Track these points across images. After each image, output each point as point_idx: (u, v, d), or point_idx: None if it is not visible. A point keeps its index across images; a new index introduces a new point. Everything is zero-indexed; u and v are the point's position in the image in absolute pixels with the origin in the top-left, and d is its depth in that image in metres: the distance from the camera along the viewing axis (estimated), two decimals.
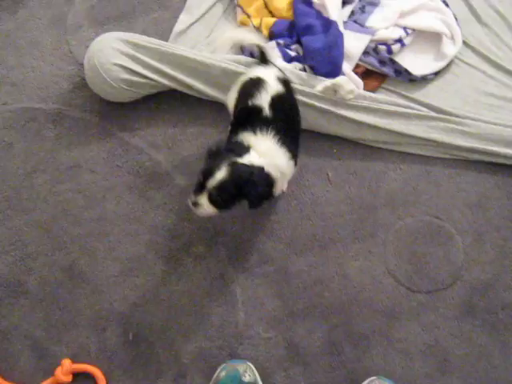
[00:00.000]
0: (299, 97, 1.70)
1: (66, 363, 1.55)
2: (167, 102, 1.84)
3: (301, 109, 1.62)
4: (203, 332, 1.61)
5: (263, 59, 1.64)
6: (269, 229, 1.70)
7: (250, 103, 1.45)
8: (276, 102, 1.45)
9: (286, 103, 1.50)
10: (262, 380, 1.55)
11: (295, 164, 1.53)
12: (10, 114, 1.83)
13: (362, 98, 1.75)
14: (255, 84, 1.48)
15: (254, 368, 1.53)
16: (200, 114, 1.83)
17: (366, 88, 1.79)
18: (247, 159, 1.39)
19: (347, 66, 1.78)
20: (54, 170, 1.77)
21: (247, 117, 1.45)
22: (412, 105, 1.78)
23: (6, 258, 1.69)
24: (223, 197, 1.37)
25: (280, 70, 1.59)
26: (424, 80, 1.86)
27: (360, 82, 1.76)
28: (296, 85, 1.72)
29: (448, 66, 1.89)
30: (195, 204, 1.37)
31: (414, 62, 1.84)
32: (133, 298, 1.64)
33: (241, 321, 1.62)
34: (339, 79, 1.69)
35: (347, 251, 1.69)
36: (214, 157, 1.39)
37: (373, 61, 1.82)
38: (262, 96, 1.45)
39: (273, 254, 1.68)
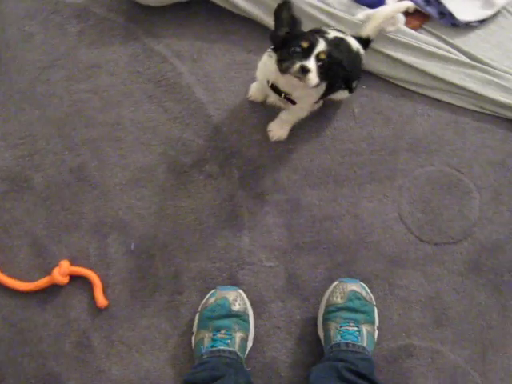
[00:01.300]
0: (336, 24, 1.63)
1: (65, 264, 1.54)
2: (198, 12, 1.76)
3: None
4: (205, 252, 1.59)
5: None
6: (285, 157, 1.66)
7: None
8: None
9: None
10: (259, 308, 1.54)
11: None
12: (32, 4, 1.76)
13: (402, 33, 1.68)
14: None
15: (245, 296, 1.51)
16: (231, 30, 1.75)
17: (406, 25, 1.71)
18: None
19: (391, 0, 1.69)
20: (73, 68, 1.71)
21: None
22: (452, 50, 1.71)
23: (14, 152, 1.65)
24: (331, 63, 1.31)
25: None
26: (467, 27, 1.77)
27: (402, 18, 1.68)
28: (336, 10, 1.65)
29: (495, 15, 1.80)
30: (304, 69, 1.27)
31: (461, 5, 1.75)
32: (138, 209, 1.61)
33: (245, 246, 1.59)
34: (383, 8, 1.61)
35: (362, 191, 1.65)
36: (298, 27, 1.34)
37: None
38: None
39: (286, 183, 1.64)
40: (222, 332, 1.41)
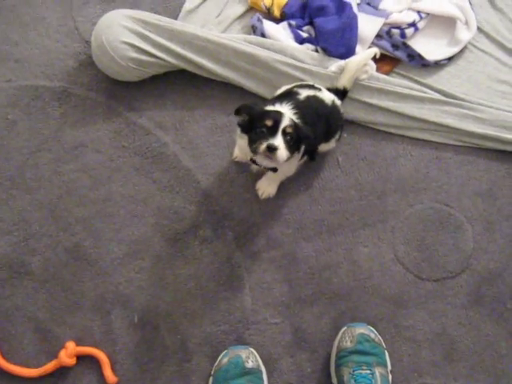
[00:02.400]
0: (311, 78, 1.68)
1: (71, 346, 1.53)
2: (175, 82, 1.80)
3: None
4: (209, 316, 1.59)
5: None
6: (277, 213, 1.68)
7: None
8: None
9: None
10: (269, 366, 1.54)
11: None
12: (14, 92, 1.79)
13: (376, 79, 1.73)
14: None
15: (256, 354, 1.52)
16: (208, 95, 1.79)
17: (378, 71, 1.76)
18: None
19: (360, 49, 1.74)
20: (59, 150, 1.74)
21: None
22: (425, 89, 1.76)
23: (9, 238, 1.66)
24: (300, 133, 1.37)
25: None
26: (437, 65, 1.83)
27: (373, 65, 1.73)
28: (309, 65, 1.69)
29: (461, 51, 1.86)
30: (271, 148, 1.30)
31: (428, 46, 1.81)
32: (138, 281, 1.62)
33: (248, 306, 1.60)
34: (353, 58, 1.66)
35: (356, 237, 1.67)
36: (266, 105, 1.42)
37: (386, 44, 1.79)
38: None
39: (281, 238, 1.66)
40: None
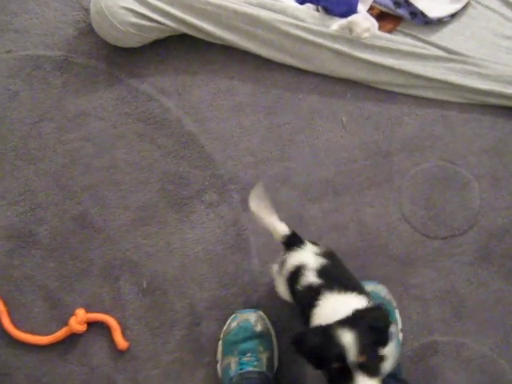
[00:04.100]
0: (313, 38, 1.66)
1: (80, 313, 1.54)
2: (176, 47, 1.78)
3: (315, 50, 1.58)
4: (217, 280, 1.60)
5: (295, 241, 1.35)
6: (282, 175, 1.67)
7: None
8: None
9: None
10: (279, 326, 1.54)
11: None
12: (14, 62, 1.78)
13: (378, 38, 1.70)
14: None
15: (265, 317, 1.52)
16: (210, 59, 1.77)
17: (381, 30, 1.74)
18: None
19: (362, 7, 1.72)
20: (62, 119, 1.73)
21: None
22: (428, 46, 1.74)
23: (16, 209, 1.66)
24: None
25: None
26: (440, 23, 1.80)
27: (375, 23, 1.71)
28: (311, 25, 1.67)
29: (464, 8, 1.82)
30: None
31: (430, 3, 1.78)
32: (145, 247, 1.62)
33: (255, 268, 1.60)
34: (355, 17, 1.64)
35: (362, 197, 1.66)
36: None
37: (388, 2, 1.76)
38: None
39: (287, 200, 1.65)
40: (248, 355, 1.41)
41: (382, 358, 1.05)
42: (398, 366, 1.37)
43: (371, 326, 1.03)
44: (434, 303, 1.59)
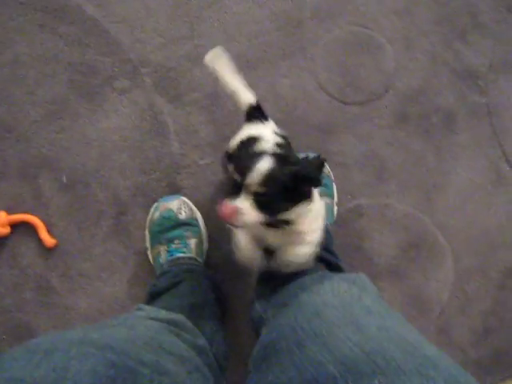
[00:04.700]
0: None
1: (2, 215, 1.50)
2: None
3: None
4: (138, 167, 1.57)
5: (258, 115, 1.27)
6: (193, 54, 1.63)
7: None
8: None
9: None
10: (205, 207, 1.54)
11: None
12: None
13: None
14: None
15: (188, 201, 1.50)
16: None
17: None
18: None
19: None
20: None
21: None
22: None
23: None
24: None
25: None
26: None
27: None
28: None
29: None
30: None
31: None
32: (61, 142, 1.58)
33: (175, 151, 1.58)
34: None
35: (277, 69, 1.64)
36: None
37: None
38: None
39: (201, 80, 1.62)
40: (176, 242, 1.41)
41: (282, 208, 0.96)
42: (330, 239, 1.39)
43: (299, 171, 0.91)
44: (356, 168, 1.62)
